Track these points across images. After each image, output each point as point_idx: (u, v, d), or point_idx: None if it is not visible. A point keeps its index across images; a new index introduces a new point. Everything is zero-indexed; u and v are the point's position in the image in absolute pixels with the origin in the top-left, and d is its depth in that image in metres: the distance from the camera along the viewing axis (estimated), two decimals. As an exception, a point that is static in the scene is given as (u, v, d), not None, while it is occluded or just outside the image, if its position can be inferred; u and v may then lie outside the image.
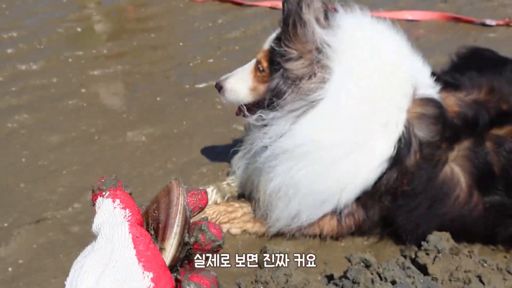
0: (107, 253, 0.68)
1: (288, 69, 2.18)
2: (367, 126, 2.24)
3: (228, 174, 2.87)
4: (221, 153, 3.13)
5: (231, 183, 2.78)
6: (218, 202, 2.74)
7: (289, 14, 2.12)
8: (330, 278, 2.15)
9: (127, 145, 3.24)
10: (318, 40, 2.13)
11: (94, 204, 0.79)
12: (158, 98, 3.69)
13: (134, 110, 3.57)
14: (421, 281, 1.92)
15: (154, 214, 0.78)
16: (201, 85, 3.84)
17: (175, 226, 0.75)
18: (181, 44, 4.41)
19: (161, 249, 0.74)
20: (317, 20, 2.17)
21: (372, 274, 2.01)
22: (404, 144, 2.26)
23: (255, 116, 2.33)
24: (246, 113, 2.47)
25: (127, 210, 0.75)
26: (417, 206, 2.36)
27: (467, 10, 4.95)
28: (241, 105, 2.53)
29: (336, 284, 2.01)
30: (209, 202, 2.74)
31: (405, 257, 2.22)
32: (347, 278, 2.01)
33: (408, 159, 2.30)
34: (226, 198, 2.76)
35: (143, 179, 2.95)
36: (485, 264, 2.14)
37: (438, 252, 2.13)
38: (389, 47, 2.33)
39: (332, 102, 2.19)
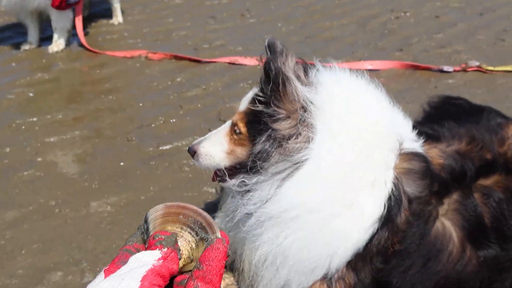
0: (117, 281, 0.86)
1: (276, 129, 2.06)
2: (354, 185, 2.13)
3: (204, 243, 2.69)
4: (194, 219, 2.95)
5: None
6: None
7: (277, 73, 2.01)
8: None
9: (91, 217, 3.01)
10: (302, 98, 2.03)
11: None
12: (121, 163, 3.50)
13: (96, 178, 3.35)
14: None
15: (189, 219, 1.04)
16: (165, 147, 3.67)
17: (214, 222, 1.05)
18: (140, 104, 4.25)
19: (217, 237, 1.01)
20: (298, 77, 2.08)
21: None
22: (394, 202, 2.15)
23: (237, 182, 2.18)
24: (225, 178, 2.33)
25: (160, 262, 0.94)
26: (411, 265, 2.24)
27: (423, 57, 5.02)
28: (218, 170, 2.39)
29: None
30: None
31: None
32: None
33: (399, 217, 2.19)
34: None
35: (111, 253, 2.72)
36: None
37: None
38: (369, 101, 2.26)
39: (317, 162, 2.07)
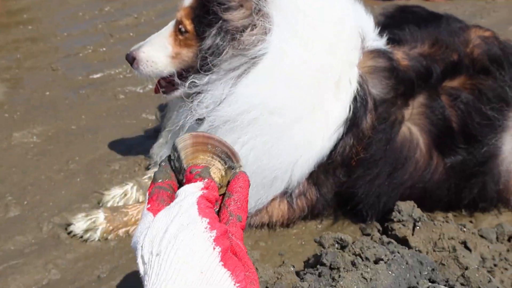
0: (176, 209, 0.96)
1: (227, 20, 1.79)
2: (317, 85, 1.91)
3: (148, 167, 2.41)
4: (134, 146, 2.66)
5: (154, 176, 2.32)
6: (141, 200, 2.28)
7: None
8: (307, 264, 1.79)
9: (15, 148, 2.65)
10: None
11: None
12: (47, 93, 3.12)
13: (18, 109, 2.97)
14: (409, 255, 1.62)
15: (216, 149, 1.09)
16: (96, 75, 3.32)
17: (237, 151, 1.11)
18: (65, 34, 3.84)
19: (240, 166, 1.10)
20: None
21: (350, 255, 1.68)
22: (359, 103, 1.96)
23: (186, 83, 1.91)
24: (170, 88, 2.06)
25: (205, 190, 1.01)
26: (378, 174, 2.07)
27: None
28: (162, 79, 2.11)
29: (312, 273, 1.65)
30: (130, 201, 2.27)
31: (380, 231, 1.92)
32: (323, 264, 1.66)
33: (364, 122, 2.01)
34: (150, 194, 2.30)
35: (40, 185, 2.40)
36: (465, 229, 1.90)
37: (415, 221, 1.84)
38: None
39: (276, 57, 1.83)
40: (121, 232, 2.14)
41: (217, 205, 1.06)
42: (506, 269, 1.91)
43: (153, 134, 2.68)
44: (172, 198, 1.04)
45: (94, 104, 3.03)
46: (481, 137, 2.06)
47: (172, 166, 1.08)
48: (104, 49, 3.65)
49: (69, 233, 2.13)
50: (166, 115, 2.35)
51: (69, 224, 2.14)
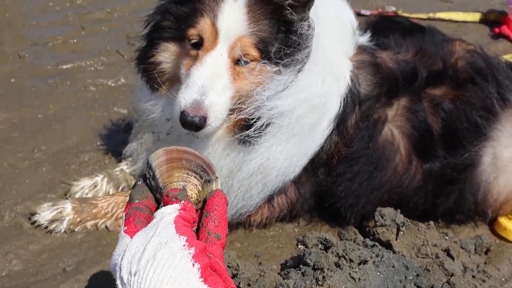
0: (153, 229, 0.97)
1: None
2: (335, 78, 1.90)
3: (120, 160, 2.30)
4: (104, 139, 2.55)
5: (126, 169, 2.22)
6: (111, 192, 2.17)
7: None
8: (285, 266, 1.72)
9: (-24, 134, 2.50)
10: None
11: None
12: (12, 80, 2.97)
13: (-20, 94, 2.81)
14: (395, 258, 1.57)
15: (191, 164, 1.11)
16: (66, 66, 3.18)
17: (211, 163, 1.14)
18: (34, 23, 3.68)
19: (217, 177, 1.12)
20: None
21: (334, 256, 1.62)
22: (350, 99, 1.93)
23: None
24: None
25: (182, 211, 1.03)
26: (358, 173, 2.03)
27: (339, 1, 4.88)
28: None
29: (295, 273, 1.58)
30: (100, 193, 2.16)
31: (364, 234, 1.87)
32: (306, 264, 1.60)
33: (351, 118, 1.98)
34: (121, 187, 2.20)
35: (3, 173, 2.27)
36: (447, 237, 1.87)
37: (399, 226, 1.81)
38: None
39: (316, 54, 1.80)
40: (89, 224, 2.03)
41: (196, 224, 1.08)
42: (484, 281, 1.90)
43: (124, 128, 2.57)
44: (149, 219, 1.06)
45: (63, 94, 2.90)
46: (466, 142, 2.06)
47: (148, 184, 1.08)
48: (74, 40, 3.52)
49: (33, 223, 2.01)
50: (138, 121, 2.19)
51: (33, 214, 2.02)
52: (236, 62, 1.71)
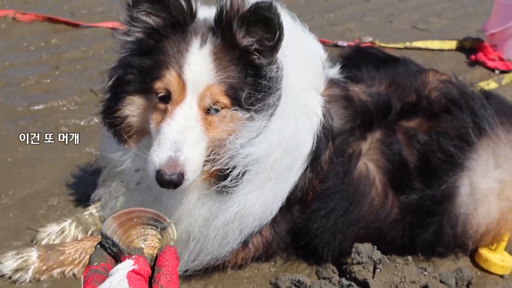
0: (107, 285, 0.98)
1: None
2: (305, 117, 1.85)
3: (89, 204, 2.22)
4: (75, 181, 2.49)
5: (95, 213, 2.15)
6: (80, 238, 2.09)
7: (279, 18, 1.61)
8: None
9: None
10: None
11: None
12: (-18, 123, 2.91)
13: (-52, 139, 2.74)
14: (371, 299, 1.51)
15: (143, 219, 1.13)
16: (38, 107, 3.13)
17: (159, 212, 1.15)
18: (7, 64, 3.64)
19: (169, 223, 1.15)
20: None
21: (308, 299, 1.56)
22: (323, 134, 1.89)
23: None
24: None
25: (136, 265, 1.03)
26: (334, 209, 1.98)
27: (317, 34, 4.89)
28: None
29: (266, 319, 1.51)
30: (68, 239, 2.08)
31: (341, 272, 1.81)
32: (278, 308, 1.53)
33: (324, 154, 1.94)
34: (90, 232, 2.12)
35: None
36: (426, 273, 1.82)
37: (376, 263, 1.75)
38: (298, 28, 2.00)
39: (286, 94, 1.74)
40: (55, 272, 1.94)
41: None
42: (466, 315, 1.83)
43: (96, 170, 2.51)
44: None
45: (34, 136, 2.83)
46: (442, 174, 2.03)
47: (111, 253, 1.10)
48: (48, 80, 3.48)
49: (-4, 273, 1.92)
50: (107, 167, 2.13)
51: (-3, 263, 1.93)
52: (207, 111, 1.65)
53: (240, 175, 1.71)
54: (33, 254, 1.93)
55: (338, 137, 1.96)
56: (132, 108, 1.76)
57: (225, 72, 1.65)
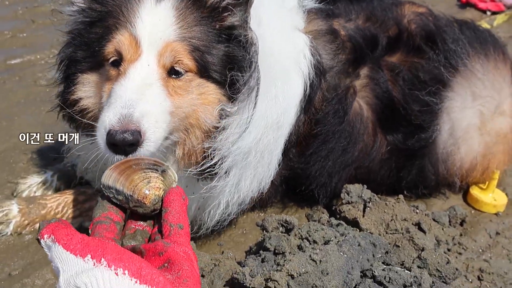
0: None
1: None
2: (288, 64, 1.71)
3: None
4: (56, 133, 2.40)
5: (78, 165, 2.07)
6: (62, 189, 2.03)
7: None
8: (249, 253, 1.60)
9: None
10: None
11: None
12: (-43, 78, 2.80)
13: None
14: (361, 236, 1.46)
15: (142, 164, 1.16)
16: (15, 61, 3.02)
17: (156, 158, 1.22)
18: (-19, 19, 3.50)
19: (168, 166, 1.17)
20: None
21: (296, 239, 1.51)
22: (315, 74, 1.78)
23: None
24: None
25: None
26: (333, 149, 1.90)
27: None
28: None
29: (254, 259, 1.46)
30: (50, 191, 2.02)
31: (329, 214, 1.76)
32: (266, 249, 1.48)
33: (318, 94, 1.85)
34: (73, 183, 2.05)
35: None
36: (418, 210, 1.77)
37: (366, 202, 1.70)
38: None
39: (265, 57, 1.57)
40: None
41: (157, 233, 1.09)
42: (460, 253, 1.80)
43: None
44: (110, 229, 1.07)
45: (11, 90, 2.74)
46: (425, 125, 1.96)
47: (116, 202, 1.11)
48: (24, 34, 3.35)
49: (-24, 227, 1.85)
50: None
51: (-24, 218, 1.87)
52: (169, 73, 1.44)
53: (229, 170, 1.58)
54: (13, 208, 1.87)
55: (328, 72, 1.87)
56: (86, 88, 1.54)
57: (189, 31, 1.44)
